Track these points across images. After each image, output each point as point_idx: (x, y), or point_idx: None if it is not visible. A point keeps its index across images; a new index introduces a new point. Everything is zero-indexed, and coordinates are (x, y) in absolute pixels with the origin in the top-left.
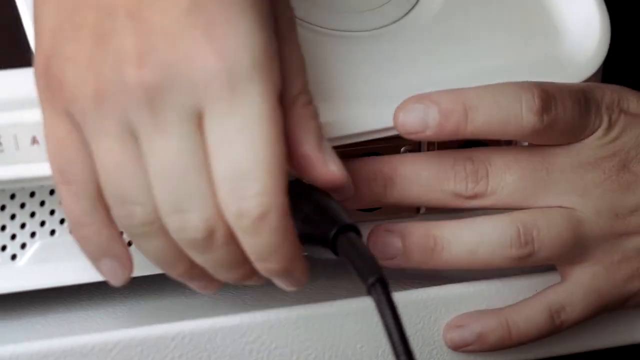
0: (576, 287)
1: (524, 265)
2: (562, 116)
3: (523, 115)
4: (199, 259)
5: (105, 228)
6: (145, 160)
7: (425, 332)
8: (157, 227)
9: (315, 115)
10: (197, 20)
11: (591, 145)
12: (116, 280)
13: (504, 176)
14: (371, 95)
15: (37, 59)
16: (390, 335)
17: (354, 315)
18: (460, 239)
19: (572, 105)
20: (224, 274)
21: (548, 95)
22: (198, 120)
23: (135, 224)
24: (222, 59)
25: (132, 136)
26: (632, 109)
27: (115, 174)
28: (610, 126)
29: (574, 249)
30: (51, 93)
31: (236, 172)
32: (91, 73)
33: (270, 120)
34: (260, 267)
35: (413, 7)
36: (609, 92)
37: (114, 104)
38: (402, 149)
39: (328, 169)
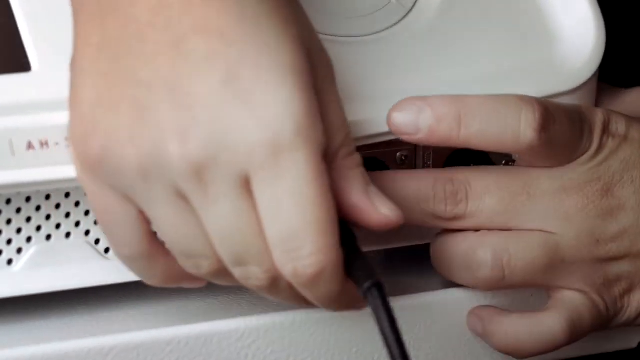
0: (562, 309)
1: (499, 288)
2: (559, 136)
3: (521, 129)
4: (267, 296)
5: (169, 273)
6: (200, 221)
7: (422, 337)
8: (225, 272)
9: (359, 163)
10: (235, 89)
11: (576, 169)
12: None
13: (483, 199)
14: (365, 100)
15: (74, 130)
16: (386, 339)
17: (350, 319)
18: (433, 257)
19: (569, 125)
20: (292, 305)
21: (548, 112)
22: (246, 184)
23: (204, 272)
24: (263, 128)
25: (183, 198)
26: (620, 131)
27: (175, 235)
28: (598, 149)
29: (551, 274)
30: (90, 167)
31: (288, 235)
32: (133, 149)
33: (317, 181)
34: (321, 307)
35: (408, 12)
36: (600, 115)
37: (159, 177)
38: (398, 154)
39: (380, 213)
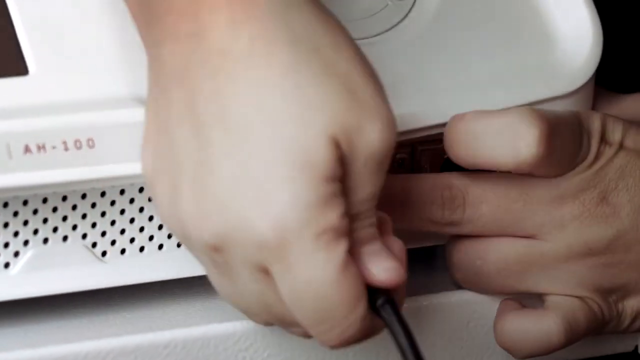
0: (558, 310)
1: (484, 292)
2: (559, 150)
3: (522, 148)
4: None
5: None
6: None
7: (427, 338)
8: None
9: (372, 223)
10: (246, 184)
11: (573, 177)
12: None
13: (480, 206)
14: None
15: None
16: (404, 355)
17: None
18: None
19: (569, 138)
20: None
21: (550, 128)
22: (264, 269)
23: (256, 322)
24: (270, 224)
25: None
26: (617, 139)
27: (219, 290)
28: (595, 158)
29: (535, 280)
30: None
31: (316, 321)
32: (173, 220)
33: (333, 265)
34: None
35: (406, 15)
36: (597, 122)
37: (192, 248)
38: (397, 156)
39: (372, 275)
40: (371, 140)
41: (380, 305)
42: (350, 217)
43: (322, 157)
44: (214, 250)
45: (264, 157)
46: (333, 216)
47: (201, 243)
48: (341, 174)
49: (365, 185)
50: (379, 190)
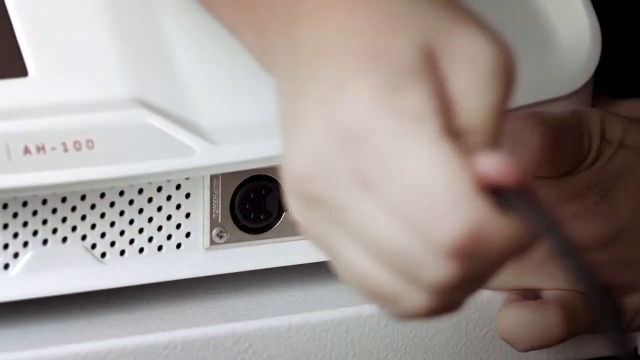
0: (557, 302)
1: (488, 288)
2: (561, 153)
3: (524, 154)
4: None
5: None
6: None
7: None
8: None
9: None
10: (324, 84)
11: (574, 177)
12: None
13: None
14: None
15: None
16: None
17: (346, 324)
18: None
19: (571, 140)
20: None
21: (552, 132)
22: (365, 181)
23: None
24: (349, 111)
25: None
26: (616, 137)
27: (340, 271)
28: (596, 158)
29: (533, 278)
30: None
31: (421, 209)
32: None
33: (421, 139)
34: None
35: None
36: (597, 121)
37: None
38: None
39: (476, 165)
40: (477, 46)
41: (508, 199)
42: (458, 133)
43: (400, 49)
44: (308, 180)
45: (342, 61)
46: (416, 96)
47: (293, 180)
48: (435, 75)
49: (475, 94)
50: (495, 109)
